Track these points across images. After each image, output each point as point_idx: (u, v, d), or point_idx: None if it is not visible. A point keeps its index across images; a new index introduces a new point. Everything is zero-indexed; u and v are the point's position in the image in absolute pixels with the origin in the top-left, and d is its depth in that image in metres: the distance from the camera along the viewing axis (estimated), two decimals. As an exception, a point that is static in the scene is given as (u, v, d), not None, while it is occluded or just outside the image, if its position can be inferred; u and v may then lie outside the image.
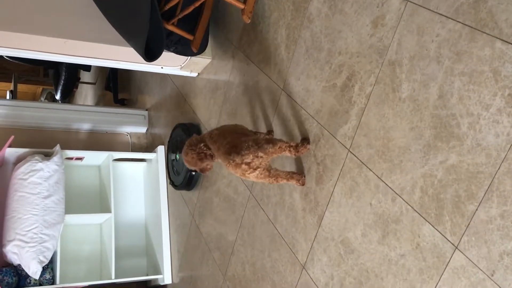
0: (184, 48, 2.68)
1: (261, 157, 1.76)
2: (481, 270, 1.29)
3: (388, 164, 1.62)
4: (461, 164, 1.37)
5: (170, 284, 3.35)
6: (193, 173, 2.97)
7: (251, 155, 1.75)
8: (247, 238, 2.44)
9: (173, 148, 3.26)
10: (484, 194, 1.29)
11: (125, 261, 3.52)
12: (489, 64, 1.31)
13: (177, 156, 3.16)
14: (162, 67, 2.95)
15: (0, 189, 3.00)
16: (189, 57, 2.87)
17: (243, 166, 1.76)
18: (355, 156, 1.77)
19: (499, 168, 1.26)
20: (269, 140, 1.85)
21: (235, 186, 2.59)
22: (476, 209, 1.31)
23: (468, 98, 1.36)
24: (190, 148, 1.96)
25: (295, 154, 1.94)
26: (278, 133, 2.22)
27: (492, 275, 1.26)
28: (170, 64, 2.95)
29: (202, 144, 1.94)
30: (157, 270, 3.40)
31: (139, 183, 3.76)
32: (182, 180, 3.06)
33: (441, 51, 1.45)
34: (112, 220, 3.29)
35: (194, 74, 3.13)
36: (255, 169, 1.78)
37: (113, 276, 3.16)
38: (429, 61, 1.48)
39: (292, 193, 2.11)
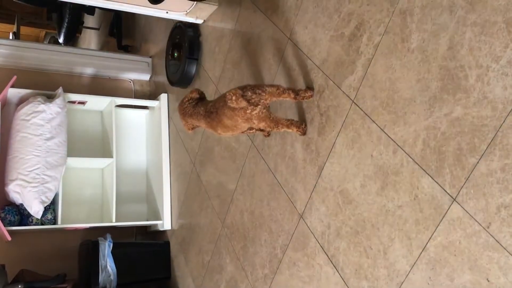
0: (190, -8, 2.62)
1: (260, 94, 1.80)
2: (477, 222, 1.30)
3: (392, 116, 1.61)
4: (465, 117, 1.35)
5: (169, 230, 3.41)
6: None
7: (249, 92, 1.79)
8: (247, 187, 2.46)
9: (172, 46, 3.31)
10: (487, 148, 1.28)
11: (126, 206, 3.57)
12: (502, 15, 1.27)
13: (176, 54, 3.24)
14: (167, 12, 2.89)
15: (3, 129, 3.00)
16: (195, 2, 2.80)
17: (243, 103, 1.75)
18: (359, 107, 1.75)
19: (504, 122, 1.25)
20: (270, 84, 1.91)
21: (237, 136, 2.59)
22: (477, 162, 1.31)
23: (479, 49, 1.33)
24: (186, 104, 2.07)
25: (295, 98, 1.92)
26: (282, 83, 2.20)
27: (488, 227, 1.27)
28: (175, 9, 2.88)
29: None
30: (157, 216, 3.46)
31: (141, 130, 3.77)
32: (178, 77, 3.19)
33: (454, 0, 1.40)
34: (114, 165, 3.32)
35: (200, 21, 3.06)
36: (255, 106, 1.78)
37: (113, 219, 3.21)
38: (442, 11, 1.44)
39: (293, 144, 2.11)
